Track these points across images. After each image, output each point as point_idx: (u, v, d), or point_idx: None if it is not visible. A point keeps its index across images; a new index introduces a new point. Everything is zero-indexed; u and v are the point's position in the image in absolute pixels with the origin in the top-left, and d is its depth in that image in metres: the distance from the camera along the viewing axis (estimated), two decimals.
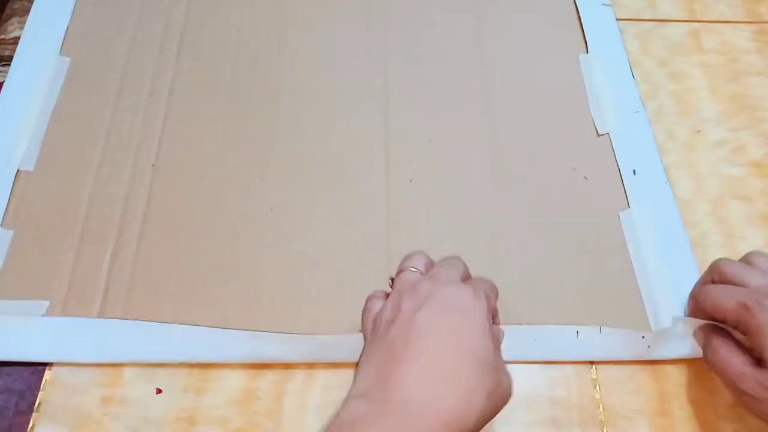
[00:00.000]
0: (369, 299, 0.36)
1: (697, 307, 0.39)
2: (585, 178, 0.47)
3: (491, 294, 0.35)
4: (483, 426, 0.30)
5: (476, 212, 0.45)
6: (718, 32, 0.56)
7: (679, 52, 0.55)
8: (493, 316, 0.35)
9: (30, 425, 0.35)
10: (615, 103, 0.50)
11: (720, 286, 0.37)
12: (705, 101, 0.52)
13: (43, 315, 0.38)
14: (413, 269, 0.35)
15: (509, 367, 0.34)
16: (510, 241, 0.44)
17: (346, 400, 0.30)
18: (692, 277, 0.42)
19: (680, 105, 0.52)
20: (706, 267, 0.43)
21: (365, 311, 0.35)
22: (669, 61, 0.54)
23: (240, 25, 0.53)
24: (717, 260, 0.39)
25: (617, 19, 0.56)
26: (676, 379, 0.40)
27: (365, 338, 0.34)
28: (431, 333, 0.31)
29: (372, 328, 0.33)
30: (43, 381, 0.37)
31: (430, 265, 0.37)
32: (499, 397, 0.31)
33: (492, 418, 0.30)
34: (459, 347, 0.30)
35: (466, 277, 0.36)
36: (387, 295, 0.35)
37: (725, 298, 0.35)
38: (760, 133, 0.50)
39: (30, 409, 0.36)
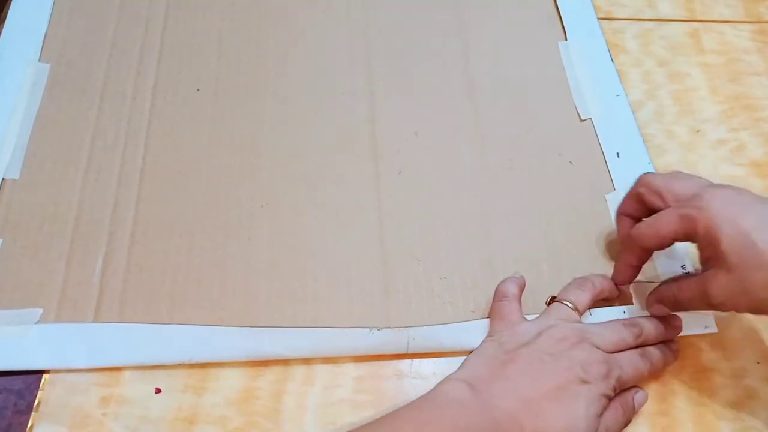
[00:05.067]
0: (503, 286, 0.46)
1: (629, 250, 0.45)
2: (570, 163, 0.55)
3: (628, 377, 0.42)
4: None
5: (466, 201, 0.52)
6: (718, 32, 0.65)
7: (679, 52, 0.63)
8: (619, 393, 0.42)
9: (29, 425, 0.41)
10: (596, 88, 0.59)
11: (651, 217, 0.43)
12: (705, 101, 0.60)
13: (37, 323, 0.44)
14: (568, 304, 0.45)
15: None
16: (501, 227, 0.51)
17: (451, 379, 0.41)
18: (679, 254, 0.50)
19: (680, 105, 0.60)
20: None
21: (499, 304, 0.46)
22: (669, 61, 0.63)
23: (221, 24, 0.61)
24: (640, 177, 0.46)
25: (617, 19, 0.65)
26: (677, 379, 0.46)
27: (491, 325, 0.45)
28: (547, 378, 0.40)
29: (502, 331, 0.44)
30: (42, 381, 0.42)
31: (596, 294, 0.46)
32: None
33: None
34: (565, 410, 0.39)
35: (628, 344, 0.44)
36: (521, 289, 0.46)
37: (663, 221, 0.41)
38: (760, 133, 0.58)
39: (29, 409, 0.41)
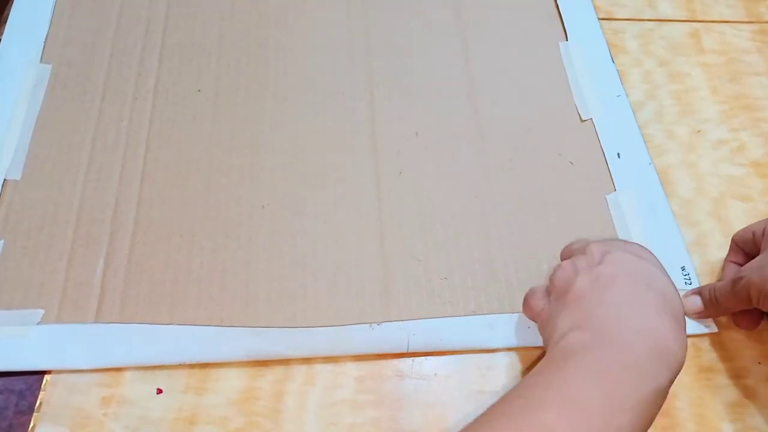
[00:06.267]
0: (529, 296, 0.44)
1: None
2: (571, 163, 0.55)
3: None
4: (678, 370, 0.37)
5: (466, 201, 0.53)
6: (718, 32, 0.65)
7: (679, 52, 0.63)
8: None
9: (31, 425, 0.41)
10: (596, 88, 0.59)
11: None
12: (705, 101, 0.60)
13: (38, 323, 0.45)
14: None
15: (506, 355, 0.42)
16: (501, 228, 0.51)
17: (560, 337, 0.38)
18: (680, 255, 0.51)
19: (680, 105, 0.60)
20: (703, 264, 0.50)
21: (528, 306, 0.44)
22: (669, 61, 0.63)
23: (221, 25, 0.61)
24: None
25: (618, 19, 0.65)
26: (677, 379, 0.46)
27: (536, 318, 0.43)
28: (619, 276, 0.39)
29: (548, 299, 0.42)
30: (44, 381, 0.43)
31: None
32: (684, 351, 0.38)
33: (680, 369, 0.37)
34: (649, 286, 0.39)
35: None
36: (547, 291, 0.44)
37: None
38: (760, 133, 0.58)
39: (30, 409, 0.42)
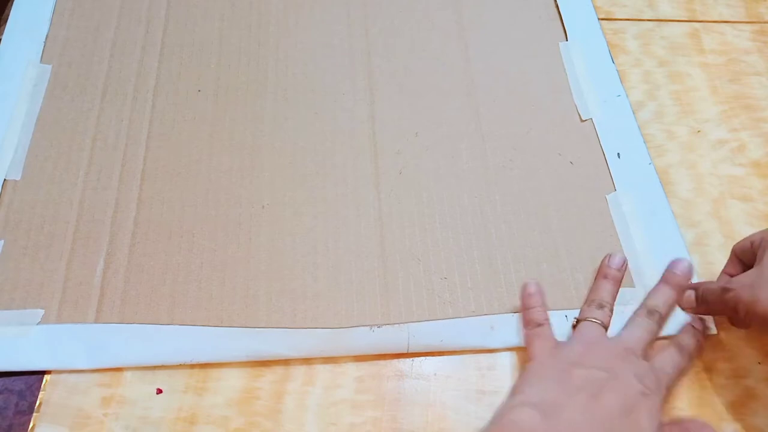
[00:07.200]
0: (534, 314, 0.46)
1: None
2: (571, 163, 0.55)
3: (673, 380, 0.44)
4: None
5: (466, 201, 0.52)
6: (718, 32, 0.65)
7: (679, 52, 0.63)
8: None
9: (30, 425, 0.41)
10: (596, 88, 0.59)
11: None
12: (705, 101, 0.60)
13: (38, 323, 0.45)
14: (595, 321, 0.45)
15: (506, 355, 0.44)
16: (501, 227, 0.51)
17: (518, 404, 0.39)
18: (680, 255, 0.50)
19: (680, 105, 0.60)
20: (703, 264, 0.50)
21: (534, 330, 0.45)
22: (669, 61, 0.62)
23: (221, 25, 0.61)
24: None
25: (618, 19, 0.65)
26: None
27: (531, 351, 0.44)
28: (612, 396, 0.39)
29: (544, 355, 0.43)
30: (44, 381, 0.43)
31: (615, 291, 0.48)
32: None
33: None
34: (636, 426, 0.39)
35: (654, 332, 0.45)
36: (546, 310, 0.46)
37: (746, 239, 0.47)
38: (760, 133, 0.58)
39: (30, 409, 0.42)
